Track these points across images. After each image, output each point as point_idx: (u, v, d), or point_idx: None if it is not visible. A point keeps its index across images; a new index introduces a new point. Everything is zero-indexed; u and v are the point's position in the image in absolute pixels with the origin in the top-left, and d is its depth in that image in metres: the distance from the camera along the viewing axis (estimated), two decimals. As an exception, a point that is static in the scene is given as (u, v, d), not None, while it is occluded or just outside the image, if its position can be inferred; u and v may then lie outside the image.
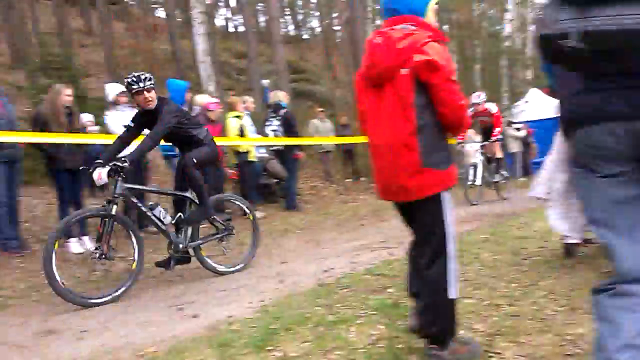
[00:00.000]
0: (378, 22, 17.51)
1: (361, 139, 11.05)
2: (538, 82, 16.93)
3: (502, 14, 15.31)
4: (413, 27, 2.01)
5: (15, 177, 5.33)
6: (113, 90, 6.11)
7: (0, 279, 4.47)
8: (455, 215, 2.22)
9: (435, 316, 2.11)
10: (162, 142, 4.59)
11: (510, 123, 14.01)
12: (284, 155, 8.13)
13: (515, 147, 13.59)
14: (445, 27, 17.16)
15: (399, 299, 3.12)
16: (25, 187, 7.34)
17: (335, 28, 28.64)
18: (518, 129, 13.86)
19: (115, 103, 6.07)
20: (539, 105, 15.86)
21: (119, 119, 5.94)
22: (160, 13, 24.26)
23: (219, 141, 6.90)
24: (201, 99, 7.14)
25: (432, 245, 2.11)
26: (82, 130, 6.27)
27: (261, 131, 8.23)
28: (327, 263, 4.66)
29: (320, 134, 11.24)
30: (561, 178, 3.56)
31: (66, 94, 5.44)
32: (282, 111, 8.05)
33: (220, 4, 27.92)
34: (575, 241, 3.78)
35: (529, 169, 14.06)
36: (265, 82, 13.27)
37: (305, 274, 4.31)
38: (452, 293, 2.10)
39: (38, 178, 7.94)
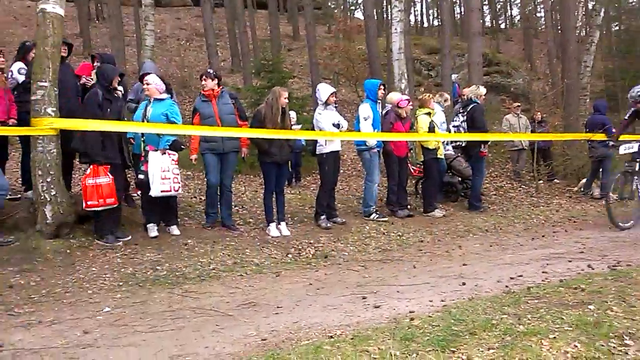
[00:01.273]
0: (591, 4, 15.60)
1: (559, 137, 10.06)
2: None
3: None
4: None
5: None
6: (326, 90, 6.68)
7: (214, 253, 5.24)
8: None
9: None
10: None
11: None
12: (469, 152, 7.87)
13: None
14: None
15: (601, 318, 2.84)
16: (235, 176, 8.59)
17: (539, 15, 26.44)
18: None
19: (327, 103, 6.63)
20: None
21: (330, 117, 6.58)
22: (359, 15, 25.48)
23: (407, 137, 7.15)
24: (392, 96, 7.36)
25: None
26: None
27: (448, 128, 8.14)
28: (514, 270, 4.44)
29: (514, 130, 10.53)
30: None
31: (284, 97, 6.12)
32: (470, 106, 7.81)
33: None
34: None
35: None
36: (455, 76, 12.96)
37: (489, 278, 4.19)
38: None
39: (247, 169, 9.20)
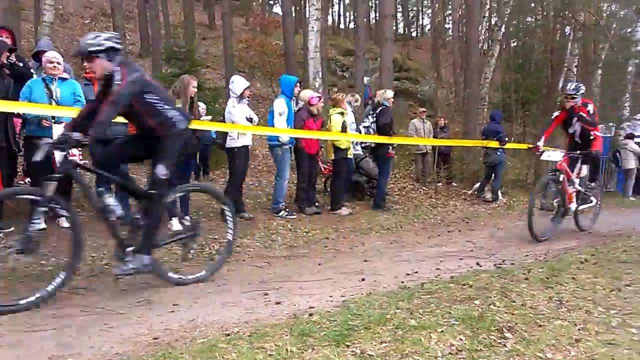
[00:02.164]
0: (494, 20, 16.75)
1: (458, 142, 10.77)
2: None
3: (636, 15, 13.82)
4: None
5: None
6: (241, 84, 6.53)
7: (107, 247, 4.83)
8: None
9: None
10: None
11: (630, 136, 12.78)
12: (377, 153, 8.14)
13: (632, 163, 12.33)
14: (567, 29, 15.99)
15: (485, 312, 3.05)
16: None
17: (447, 26, 27.95)
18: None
19: (241, 96, 6.49)
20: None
21: (244, 111, 6.48)
22: (278, 10, 25.30)
23: (320, 135, 7.24)
24: (304, 93, 7.39)
25: None
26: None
27: (357, 129, 8.35)
28: (411, 266, 4.65)
29: (419, 134, 11.07)
30: None
31: (193, 86, 5.87)
32: (379, 109, 8.08)
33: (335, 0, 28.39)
34: None
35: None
36: (367, 79, 13.34)
37: (387, 274, 4.35)
38: None
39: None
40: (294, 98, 7.16)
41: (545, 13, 15.15)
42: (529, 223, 5.83)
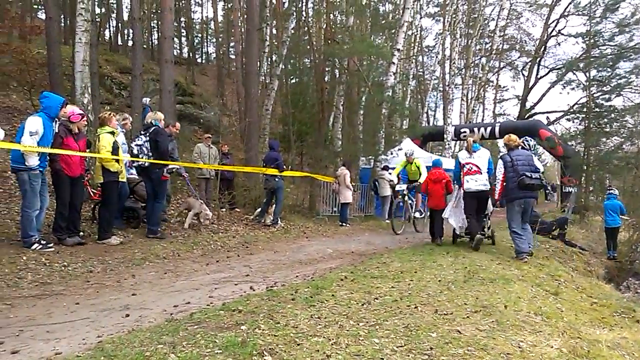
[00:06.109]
0: (274, 57, 17.83)
1: (240, 169, 11.02)
2: (411, 131, 18.31)
3: (389, 66, 16.40)
4: (442, 170, 9.20)
5: None
6: None
7: None
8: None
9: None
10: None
11: (386, 167, 14.91)
12: (150, 175, 7.60)
13: (387, 190, 14.42)
14: (337, 71, 18.02)
15: (248, 337, 3.04)
16: None
17: (232, 57, 28.69)
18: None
19: None
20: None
21: None
22: (43, 15, 22.25)
23: (82, 154, 6.46)
24: (66, 109, 6.51)
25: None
26: None
27: (130, 150, 7.75)
28: (183, 297, 4.44)
29: (204, 159, 10.95)
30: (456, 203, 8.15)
31: None
32: (152, 128, 7.68)
33: (113, 15, 26.46)
34: (458, 233, 8.38)
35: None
36: (146, 100, 12.73)
37: (156, 308, 4.06)
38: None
39: None
40: (57, 119, 6.28)
41: (317, 56, 16.81)
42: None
